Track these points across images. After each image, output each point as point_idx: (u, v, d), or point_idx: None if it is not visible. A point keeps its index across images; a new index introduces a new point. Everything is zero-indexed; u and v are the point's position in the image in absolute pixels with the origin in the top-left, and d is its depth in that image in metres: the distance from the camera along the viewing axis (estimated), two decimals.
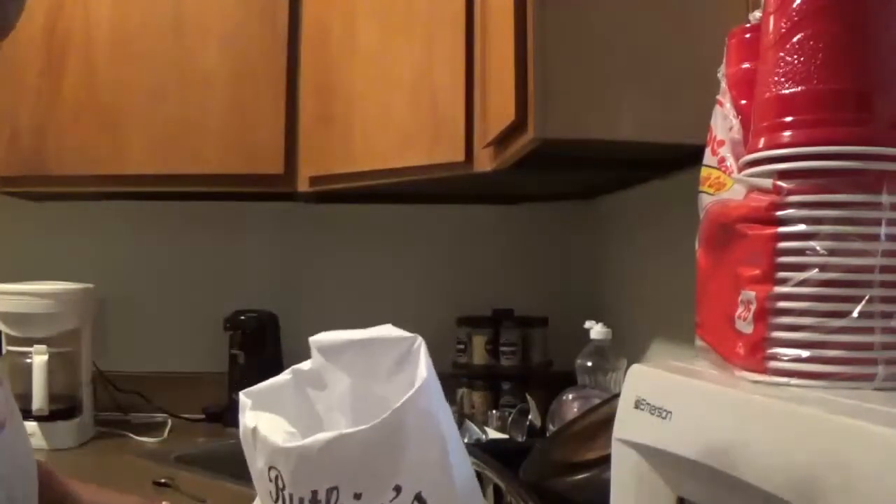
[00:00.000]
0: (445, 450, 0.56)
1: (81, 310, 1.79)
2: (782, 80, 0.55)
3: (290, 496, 0.59)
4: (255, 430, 0.62)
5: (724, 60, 0.68)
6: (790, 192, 0.53)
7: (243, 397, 0.65)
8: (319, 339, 0.65)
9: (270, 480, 0.61)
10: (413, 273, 2.09)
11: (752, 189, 0.56)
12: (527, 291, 2.05)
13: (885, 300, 0.51)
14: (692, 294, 0.64)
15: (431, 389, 0.57)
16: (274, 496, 0.61)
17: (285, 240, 2.11)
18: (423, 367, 0.57)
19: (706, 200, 0.65)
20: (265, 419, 0.62)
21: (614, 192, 1.81)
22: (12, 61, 1.70)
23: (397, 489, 0.55)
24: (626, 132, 1.10)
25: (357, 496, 0.56)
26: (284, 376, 0.68)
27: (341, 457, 0.56)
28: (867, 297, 0.50)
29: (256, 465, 0.63)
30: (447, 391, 0.60)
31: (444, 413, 0.57)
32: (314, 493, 0.58)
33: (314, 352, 0.66)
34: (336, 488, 0.57)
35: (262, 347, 1.95)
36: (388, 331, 0.62)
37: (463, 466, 0.58)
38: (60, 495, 0.76)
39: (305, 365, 0.68)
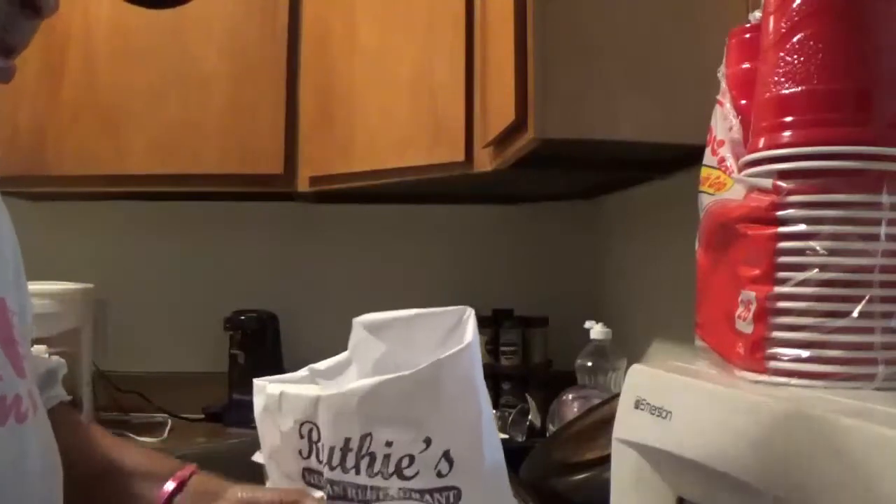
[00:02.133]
0: (479, 416, 0.56)
1: (81, 310, 1.79)
2: (782, 80, 0.55)
3: (323, 447, 0.60)
4: (282, 394, 0.63)
5: (724, 60, 0.68)
6: (790, 192, 0.53)
7: (259, 381, 0.66)
8: (365, 317, 0.66)
9: (302, 437, 0.62)
10: (413, 273, 2.09)
11: (752, 189, 0.56)
12: (527, 291, 2.05)
13: (885, 300, 0.51)
14: (692, 294, 0.64)
15: (474, 355, 0.57)
16: (305, 452, 0.62)
17: (285, 240, 2.11)
18: (470, 333, 0.58)
19: (706, 200, 0.65)
20: (290, 386, 0.63)
21: (614, 192, 1.81)
22: None
23: (427, 441, 0.56)
24: (626, 132, 1.10)
25: (388, 444, 0.57)
26: (300, 373, 0.69)
27: (380, 402, 0.57)
28: (867, 297, 0.50)
29: (281, 429, 0.63)
30: None
31: (482, 382, 0.58)
32: (347, 440, 0.59)
33: (357, 329, 0.66)
34: (370, 434, 0.58)
35: (262, 347, 1.95)
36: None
37: (493, 440, 0.58)
38: (102, 465, 0.76)
39: (322, 364, 0.68)
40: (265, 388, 0.65)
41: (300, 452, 0.62)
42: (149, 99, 1.76)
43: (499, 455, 0.59)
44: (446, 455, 0.56)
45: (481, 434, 0.56)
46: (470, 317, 0.59)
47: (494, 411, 1.70)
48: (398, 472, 0.57)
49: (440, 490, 0.56)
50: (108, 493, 0.75)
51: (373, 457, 0.58)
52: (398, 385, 0.56)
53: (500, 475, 0.59)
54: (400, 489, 0.57)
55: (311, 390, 0.63)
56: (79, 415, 0.83)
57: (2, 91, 1.70)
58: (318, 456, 0.61)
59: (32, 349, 0.79)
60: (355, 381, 0.64)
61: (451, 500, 0.56)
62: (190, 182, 1.77)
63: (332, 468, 0.60)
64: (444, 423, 0.56)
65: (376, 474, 0.57)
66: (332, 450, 0.60)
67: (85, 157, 1.74)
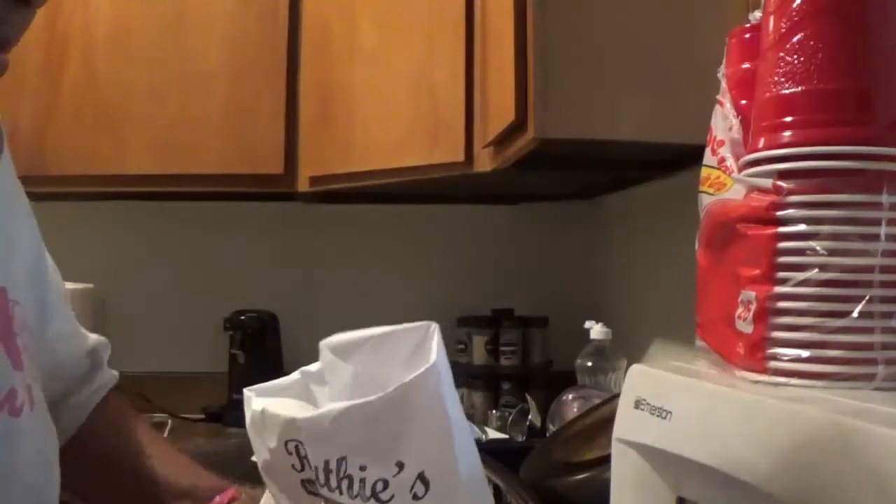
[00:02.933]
0: (451, 434, 0.56)
1: (81, 310, 1.78)
2: (782, 80, 0.54)
3: (311, 464, 0.60)
4: (263, 411, 0.63)
5: (724, 60, 0.68)
6: (790, 192, 0.53)
7: (247, 391, 0.66)
8: (331, 339, 0.66)
9: (290, 453, 0.61)
10: (413, 273, 2.09)
11: (752, 189, 0.56)
12: (527, 291, 2.05)
13: (885, 300, 0.51)
14: (692, 294, 0.64)
15: (441, 372, 0.57)
16: (298, 466, 0.61)
17: (285, 240, 2.11)
18: (434, 351, 0.57)
19: (706, 200, 0.65)
20: (272, 402, 0.63)
21: (614, 192, 1.81)
22: (12, 61, 1.69)
23: (399, 465, 0.56)
24: (626, 132, 1.10)
25: (362, 468, 0.57)
26: (292, 377, 0.68)
27: (349, 427, 0.57)
28: (867, 297, 0.50)
29: (268, 446, 0.63)
30: None
31: (452, 399, 0.57)
32: (326, 462, 0.59)
33: (324, 352, 0.66)
34: (344, 458, 0.57)
35: (262, 347, 1.95)
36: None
37: (469, 456, 0.58)
38: (145, 481, 0.76)
39: (314, 367, 0.68)
40: (251, 402, 0.65)
41: (293, 467, 0.62)
42: (149, 99, 1.76)
43: (476, 468, 0.59)
44: (421, 477, 0.56)
45: (455, 453, 0.56)
46: (434, 333, 0.59)
47: (494, 411, 1.71)
48: (374, 495, 0.56)
49: None
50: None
51: (350, 479, 0.58)
52: (366, 410, 0.56)
53: (478, 488, 0.59)
54: None
55: (289, 409, 0.62)
56: (126, 406, 0.83)
57: (2, 91, 1.70)
58: (310, 468, 0.61)
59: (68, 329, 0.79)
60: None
61: None
62: (190, 182, 1.77)
63: (321, 486, 0.60)
64: (415, 446, 0.56)
65: (356, 496, 0.57)
66: (316, 469, 0.60)
67: (85, 157, 1.75)
